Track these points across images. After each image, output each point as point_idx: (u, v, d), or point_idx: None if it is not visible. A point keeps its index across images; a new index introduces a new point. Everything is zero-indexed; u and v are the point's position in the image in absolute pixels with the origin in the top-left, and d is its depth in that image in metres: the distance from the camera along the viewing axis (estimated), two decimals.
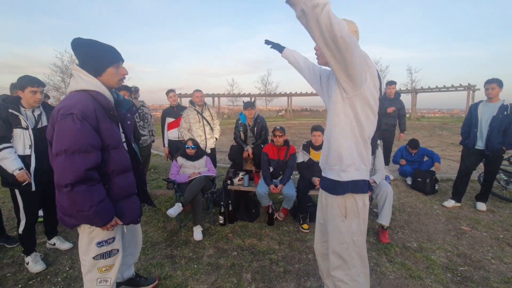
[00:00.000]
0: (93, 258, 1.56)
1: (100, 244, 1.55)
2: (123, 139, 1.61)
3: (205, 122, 4.05)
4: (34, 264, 2.42)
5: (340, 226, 1.48)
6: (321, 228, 1.70)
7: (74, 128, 1.31)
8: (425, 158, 4.92)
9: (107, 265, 1.60)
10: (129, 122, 1.65)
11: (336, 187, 1.48)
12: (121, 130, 1.61)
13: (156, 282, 2.17)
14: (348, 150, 1.42)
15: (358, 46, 1.25)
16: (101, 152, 1.44)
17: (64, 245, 2.78)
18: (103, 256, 1.57)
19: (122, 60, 1.54)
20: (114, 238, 1.61)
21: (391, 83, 5.06)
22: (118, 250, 1.64)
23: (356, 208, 1.47)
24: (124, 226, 1.70)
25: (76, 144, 1.31)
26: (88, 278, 1.60)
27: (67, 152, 1.31)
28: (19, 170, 2.21)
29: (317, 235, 1.75)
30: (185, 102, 24.24)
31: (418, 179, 4.42)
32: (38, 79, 2.28)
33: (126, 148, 1.62)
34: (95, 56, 1.44)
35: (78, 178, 1.32)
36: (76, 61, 1.49)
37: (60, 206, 1.48)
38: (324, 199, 1.61)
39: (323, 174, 1.60)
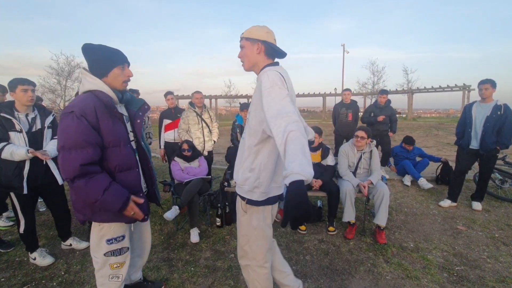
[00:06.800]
0: (104, 255, 1.62)
1: (109, 241, 1.61)
2: (132, 138, 1.65)
3: (204, 125, 4.03)
4: (42, 258, 2.49)
5: (241, 220, 1.60)
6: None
7: (72, 125, 1.37)
8: (418, 159, 5.06)
9: (118, 263, 1.67)
10: (138, 121, 1.69)
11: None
12: (130, 129, 1.64)
13: (163, 287, 2.17)
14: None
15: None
16: (102, 149, 1.48)
17: (81, 245, 2.78)
18: (113, 253, 1.63)
19: (128, 63, 1.60)
20: (123, 236, 1.66)
21: (384, 92, 5.33)
22: (128, 248, 1.71)
23: (256, 206, 1.54)
24: (132, 224, 1.73)
25: (71, 140, 1.36)
26: (100, 274, 1.67)
27: (64, 148, 1.37)
28: (28, 152, 2.23)
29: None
30: (182, 103, 24.20)
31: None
32: (27, 79, 2.29)
33: (134, 147, 1.66)
34: (102, 57, 1.51)
35: (75, 173, 1.36)
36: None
37: (72, 201, 1.56)
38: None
39: None
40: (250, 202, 1.52)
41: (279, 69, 1.48)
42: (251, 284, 1.68)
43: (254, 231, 1.57)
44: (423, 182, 4.55)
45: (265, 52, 1.52)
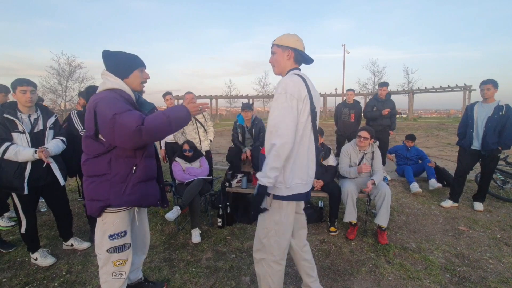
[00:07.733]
0: (107, 251, 1.67)
1: (112, 237, 1.66)
2: None
3: (198, 125, 4.02)
4: (43, 258, 2.51)
5: (264, 213, 1.63)
6: None
7: (112, 99, 1.49)
8: (419, 161, 5.01)
9: (121, 259, 1.72)
10: None
11: None
12: None
13: (164, 287, 2.17)
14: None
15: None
16: None
17: (83, 245, 2.79)
18: (116, 249, 1.68)
19: (145, 66, 1.73)
20: (125, 232, 1.71)
21: (383, 84, 5.13)
22: (130, 245, 1.75)
23: (280, 201, 1.59)
24: (136, 219, 1.81)
25: (118, 107, 1.45)
26: (104, 271, 1.71)
27: (117, 114, 1.42)
28: (35, 152, 2.24)
29: None
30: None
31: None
32: (27, 79, 2.30)
33: None
34: (123, 61, 1.64)
35: (138, 122, 1.42)
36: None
37: (88, 191, 1.62)
38: None
39: None
40: (276, 197, 1.57)
41: (300, 73, 1.62)
42: (263, 279, 1.68)
43: (275, 225, 1.60)
44: (413, 186, 4.42)
45: (294, 59, 1.64)
